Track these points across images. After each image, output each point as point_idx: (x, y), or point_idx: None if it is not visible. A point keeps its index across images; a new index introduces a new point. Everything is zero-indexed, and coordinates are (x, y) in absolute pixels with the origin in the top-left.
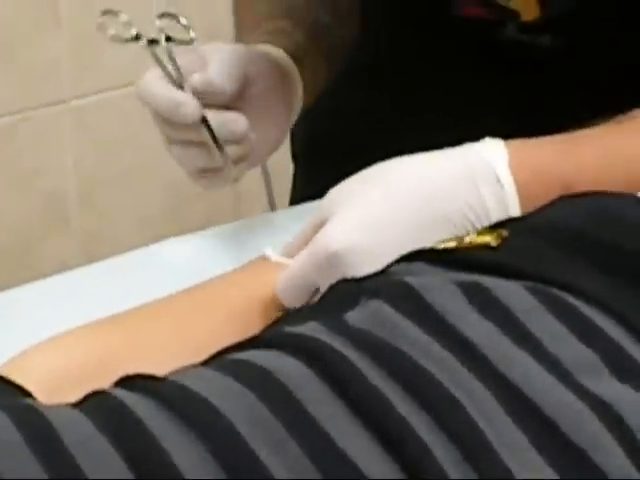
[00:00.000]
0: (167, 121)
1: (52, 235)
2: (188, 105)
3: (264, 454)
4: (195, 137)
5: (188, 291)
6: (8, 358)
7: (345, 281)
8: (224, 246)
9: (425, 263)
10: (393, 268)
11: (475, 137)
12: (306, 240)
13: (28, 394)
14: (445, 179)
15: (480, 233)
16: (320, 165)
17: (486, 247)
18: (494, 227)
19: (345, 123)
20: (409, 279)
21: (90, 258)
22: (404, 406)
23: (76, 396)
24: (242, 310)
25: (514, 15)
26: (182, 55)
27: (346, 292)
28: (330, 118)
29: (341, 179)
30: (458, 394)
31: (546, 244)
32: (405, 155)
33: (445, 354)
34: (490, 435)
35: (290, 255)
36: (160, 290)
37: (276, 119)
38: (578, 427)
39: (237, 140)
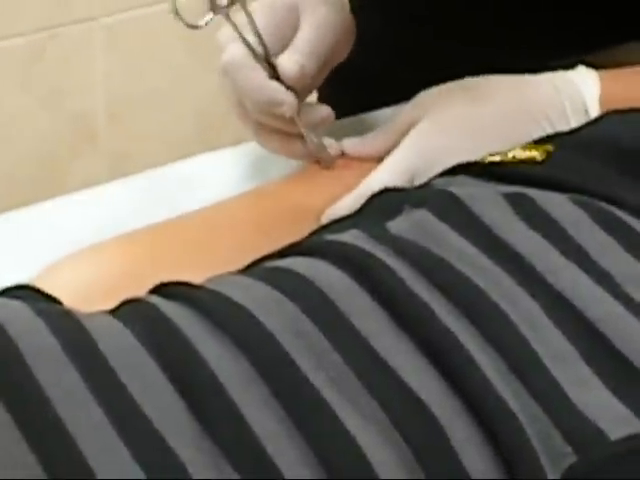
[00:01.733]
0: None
1: (80, 154)
2: (286, 103)
3: (306, 366)
4: (289, 128)
5: (217, 204)
6: (36, 271)
7: (387, 190)
8: (255, 162)
9: (469, 176)
10: (436, 181)
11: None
12: (390, 134)
13: (60, 304)
14: (537, 101)
15: (526, 148)
16: (343, 92)
17: (532, 161)
18: (540, 142)
19: (365, 50)
20: (454, 189)
21: (118, 177)
22: (449, 318)
23: (106, 308)
24: (272, 223)
25: None
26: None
27: (389, 201)
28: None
29: (363, 106)
30: (505, 305)
31: (592, 158)
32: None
33: (492, 265)
34: (537, 346)
35: (374, 146)
36: (188, 206)
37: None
38: (628, 339)
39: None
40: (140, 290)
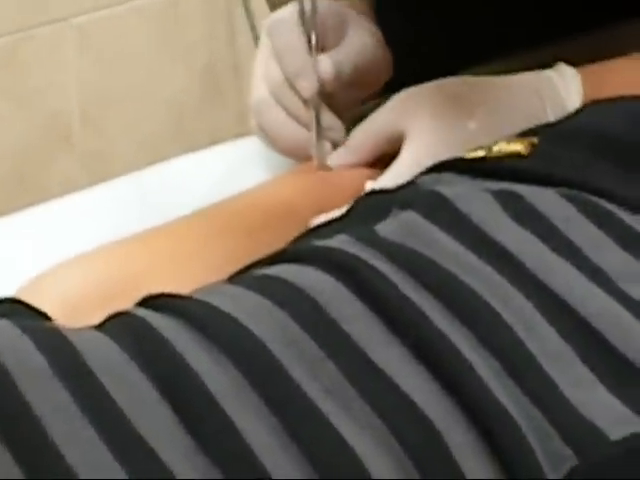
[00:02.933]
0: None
1: (55, 154)
2: (308, 80)
3: (299, 375)
4: (300, 113)
5: (206, 209)
6: (19, 283)
7: (374, 192)
8: (235, 163)
9: (454, 173)
10: (421, 179)
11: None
12: (375, 142)
13: (47, 318)
14: (521, 110)
15: (510, 141)
16: None
17: (516, 155)
18: (524, 135)
19: None
20: (441, 188)
21: (94, 177)
22: (442, 320)
23: (95, 318)
24: (263, 228)
25: None
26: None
27: (376, 203)
28: None
29: None
30: (497, 305)
31: (578, 150)
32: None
33: (483, 265)
34: (532, 346)
35: (354, 153)
36: (172, 210)
37: None
38: (624, 336)
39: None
40: (129, 300)
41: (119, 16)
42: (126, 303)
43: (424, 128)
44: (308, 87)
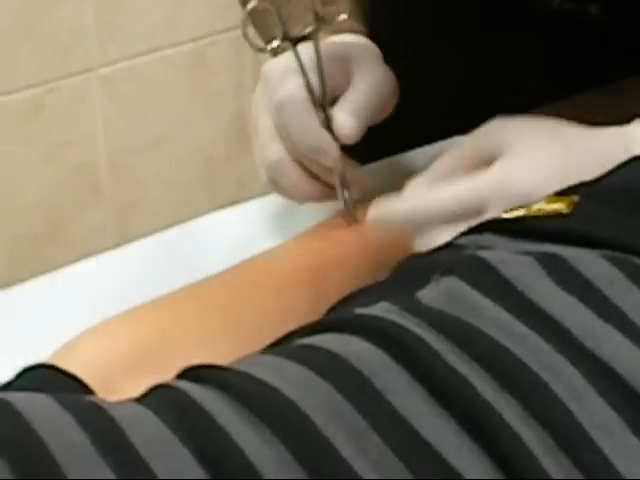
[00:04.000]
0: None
1: (84, 206)
2: (331, 155)
3: (346, 449)
4: (322, 171)
5: (234, 267)
6: (53, 343)
7: (413, 256)
8: (262, 220)
9: (494, 234)
10: (461, 240)
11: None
12: (464, 164)
13: (84, 385)
14: (607, 158)
15: (550, 200)
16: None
17: (557, 215)
18: (564, 193)
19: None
20: (483, 253)
21: (122, 228)
22: (490, 391)
23: (128, 384)
24: (292, 284)
25: None
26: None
27: (416, 268)
28: None
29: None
30: (545, 375)
31: (621, 209)
32: None
33: (529, 333)
34: (582, 418)
35: (439, 174)
36: (201, 269)
37: None
38: None
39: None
40: (165, 363)
41: (145, 66)
42: (157, 369)
43: (522, 148)
44: (330, 159)
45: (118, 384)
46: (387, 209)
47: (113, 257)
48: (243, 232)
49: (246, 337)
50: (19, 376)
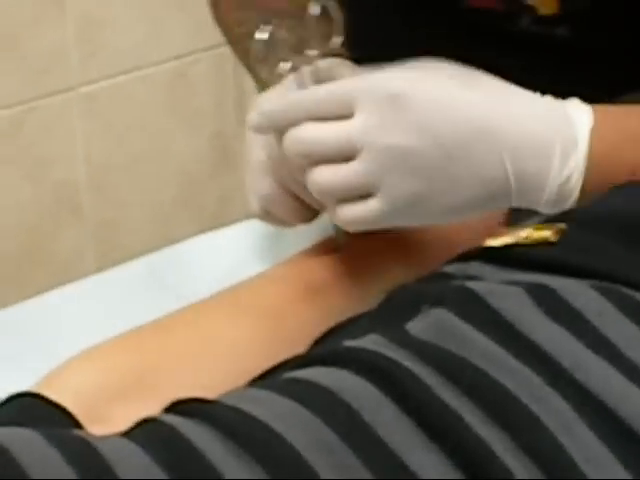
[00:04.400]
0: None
1: (65, 224)
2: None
3: None
4: (308, 199)
5: (225, 292)
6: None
7: (402, 287)
8: (248, 243)
9: (482, 262)
10: (449, 268)
11: None
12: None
13: (69, 414)
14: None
15: (538, 227)
16: None
17: (545, 242)
18: (551, 221)
19: None
20: (471, 284)
21: (103, 247)
22: (481, 425)
23: (114, 411)
24: (286, 307)
25: (530, 11)
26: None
27: (405, 299)
28: None
29: None
30: (536, 408)
31: (609, 237)
32: None
33: (519, 365)
34: (572, 451)
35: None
36: (186, 294)
37: None
38: None
39: None
40: (151, 390)
41: (126, 84)
42: (142, 397)
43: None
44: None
45: (104, 411)
46: (265, 107)
47: (96, 281)
48: (228, 256)
49: (233, 364)
50: (4, 403)
